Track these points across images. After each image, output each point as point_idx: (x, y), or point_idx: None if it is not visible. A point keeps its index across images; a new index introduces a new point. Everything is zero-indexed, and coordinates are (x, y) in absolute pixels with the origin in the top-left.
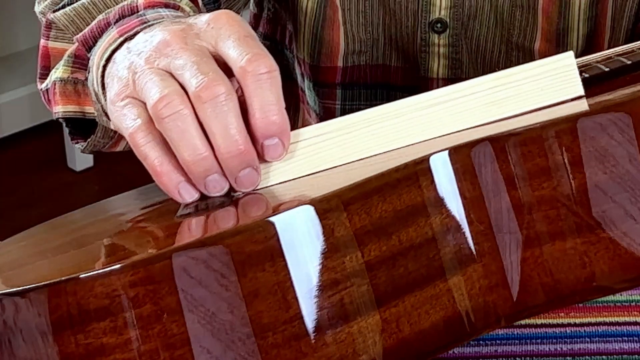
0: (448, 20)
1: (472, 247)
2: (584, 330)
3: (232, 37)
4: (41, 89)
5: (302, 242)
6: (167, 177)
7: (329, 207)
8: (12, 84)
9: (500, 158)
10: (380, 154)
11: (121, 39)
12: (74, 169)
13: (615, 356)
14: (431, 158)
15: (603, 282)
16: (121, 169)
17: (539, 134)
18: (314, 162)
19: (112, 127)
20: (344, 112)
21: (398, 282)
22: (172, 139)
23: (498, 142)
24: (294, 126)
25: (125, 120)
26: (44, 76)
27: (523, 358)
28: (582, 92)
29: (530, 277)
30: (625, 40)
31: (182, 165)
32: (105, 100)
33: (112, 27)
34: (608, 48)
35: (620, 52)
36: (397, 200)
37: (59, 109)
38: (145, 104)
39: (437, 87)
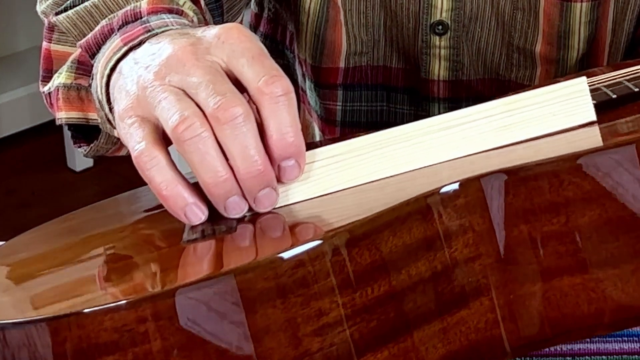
0: (449, 23)
1: (480, 281)
2: None
3: (246, 55)
4: (43, 92)
5: (313, 278)
6: (172, 201)
7: (340, 244)
8: (12, 84)
9: (511, 192)
10: (392, 176)
11: (126, 47)
12: (74, 169)
13: (615, 356)
14: (441, 191)
15: (611, 318)
16: (121, 169)
17: (550, 169)
18: (327, 184)
19: (115, 134)
20: (344, 114)
21: (407, 317)
22: (192, 161)
23: (509, 176)
24: None
25: (131, 140)
26: (46, 79)
27: (523, 358)
28: (594, 117)
29: (538, 311)
30: (627, 44)
31: (202, 186)
32: (111, 110)
33: (115, 34)
34: (609, 51)
35: (628, 76)
36: (408, 235)
37: (62, 115)
38: (153, 121)
39: (438, 89)
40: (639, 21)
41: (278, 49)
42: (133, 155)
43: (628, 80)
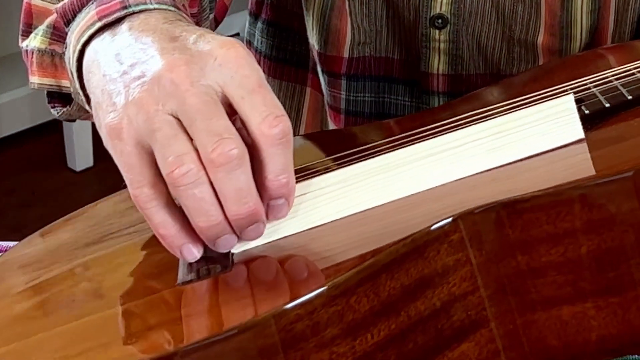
0: (448, 16)
1: (480, 313)
2: None
3: (245, 85)
4: (21, 47)
5: (312, 331)
6: (169, 240)
7: (338, 293)
8: (12, 84)
9: (507, 224)
10: (382, 205)
11: (99, 23)
12: (74, 169)
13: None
14: (437, 227)
15: (612, 345)
16: None
17: (546, 202)
18: (316, 216)
19: (87, 108)
20: (348, 103)
21: (408, 358)
22: (186, 205)
23: (505, 209)
24: (299, 114)
25: (128, 173)
26: (26, 33)
27: None
28: (582, 135)
29: (538, 339)
30: (632, 34)
31: (194, 227)
32: (83, 89)
33: (92, 3)
34: (613, 42)
35: (623, 79)
36: (405, 276)
37: (35, 80)
38: (147, 149)
39: (438, 82)
40: None
41: (282, 35)
42: (130, 190)
43: (623, 86)
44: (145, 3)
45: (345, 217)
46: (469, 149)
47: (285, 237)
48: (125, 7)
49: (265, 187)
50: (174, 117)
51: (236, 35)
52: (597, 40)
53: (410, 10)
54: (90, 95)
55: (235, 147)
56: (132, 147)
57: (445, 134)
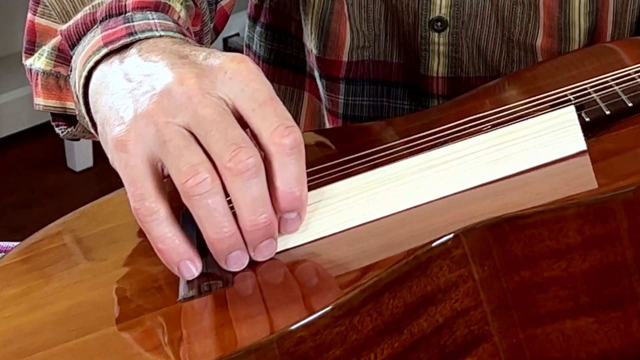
0: (448, 19)
1: (482, 327)
2: None
3: (256, 98)
4: (25, 65)
5: (315, 352)
6: (167, 255)
7: (341, 314)
8: (12, 84)
9: (509, 240)
10: (385, 217)
11: (105, 49)
12: (74, 169)
13: None
14: (439, 243)
15: (614, 359)
16: None
17: (548, 217)
18: (319, 228)
19: (91, 130)
20: (346, 107)
21: None
22: (198, 215)
23: (507, 224)
24: (297, 118)
25: (130, 186)
26: (29, 51)
27: None
28: (584, 147)
29: (541, 353)
30: (630, 35)
31: (206, 239)
32: (89, 114)
33: (97, 27)
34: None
35: (623, 85)
36: (408, 294)
37: (40, 102)
38: (152, 162)
39: (437, 85)
40: None
41: (280, 38)
42: (131, 204)
43: (624, 92)
44: (151, 30)
45: (346, 229)
46: (470, 161)
47: (286, 249)
48: (131, 34)
49: (277, 200)
50: (185, 129)
51: (235, 35)
52: (596, 42)
53: (409, 14)
54: (96, 115)
55: (252, 156)
56: (138, 159)
57: (447, 145)
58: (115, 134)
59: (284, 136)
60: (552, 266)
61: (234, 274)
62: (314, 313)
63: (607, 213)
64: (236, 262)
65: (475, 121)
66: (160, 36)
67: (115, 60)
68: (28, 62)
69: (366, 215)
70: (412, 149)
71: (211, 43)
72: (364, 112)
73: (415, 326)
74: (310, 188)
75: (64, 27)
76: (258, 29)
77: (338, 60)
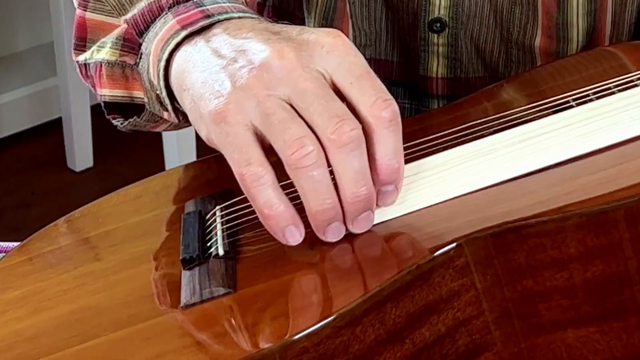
0: (447, 20)
1: (484, 337)
2: None
3: (353, 71)
4: (77, 61)
5: None
6: (274, 221)
7: (343, 324)
8: (12, 84)
9: (512, 249)
10: (478, 190)
11: (185, 32)
12: (74, 169)
13: None
14: (441, 252)
15: None
16: (121, 169)
17: (551, 227)
18: (413, 202)
19: (165, 117)
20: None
21: None
22: (302, 187)
23: (510, 234)
24: None
25: (234, 153)
26: (80, 47)
27: None
28: None
29: None
30: (630, 36)
31: (307, 211)
32: (171, 96)
33: (166, 13)
34: (610, 43)
35: (619, 84)
36: (410, 303)
37: (106, 92)
38: (254, 131)
39: (437, 86)
40: None
41: None
42: (237, 170)
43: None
44: (227, 12)
45: (441, 202)
46: (562, 134)
47: (383, 222)
48: (208, 17)
49: (376, 172)
50: (286, 102)
51: None
52: (595, 42)
53: (408, 14)
54: (185, 94)
55: (355, 128)
56: (239, 127)
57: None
58: (214, 106)
59: (382, 109)
60: (554, 276)
61: (251, 275)
62: (318, 322)
63: (609, 223)
64: (334, 233)
65: (474, 127)
66: (240, 17)
67: (199, 40)
68: (82, 57)
69: (463, 187)
70: (502, 125)
71: None
72: None
73: (418, 335)
74: (407, 162)
75: (129, 15)
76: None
77: None
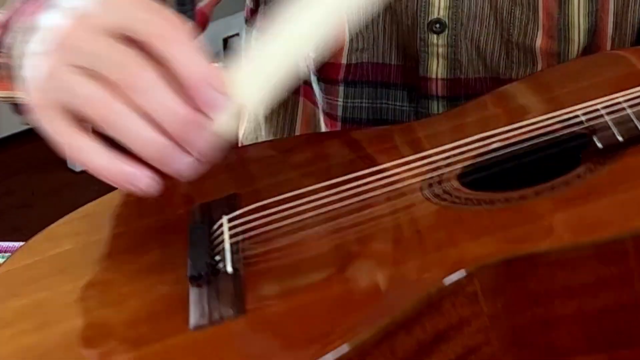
0: (446, 21)
1: None
2: None
3: (131, 12)
4: None
5: None
6: (119, 177)
7: (354, 355)
8: None
9: (523, 277)
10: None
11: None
12: (74, 169)
13: None
14: (451, 279)
15: None
16: None
17: (564, 257)
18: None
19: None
20: (345, 110)
21: None
22: (122, 137)
23: (522, 262)
24: (293, 124)
25: (54, 136)
26: None
27: None
28: None
29: None
30: (633, 37)
31: (143, 158)
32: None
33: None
34: (612, 44)
35: (630, 98)
36: (421, 332)
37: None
38: (65, 108)
39: (436, 87)
40: None
41: None
42: (64, 150)
43: (637, 117)
44: None
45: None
46: None
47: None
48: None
49: (190, 89)
50: (79, 67)
51: (236, 35)
52: (596, 43)
53: (408, 16)
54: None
55: (141, 68)
56: (49, 110)
57: None
58: (30, 96)
59: (157, 26)
60: (565, 303)
61: (260, 294)
62: (329, 352)
63: (620, 254)
64: (180, 163)
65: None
66: None
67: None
68: None
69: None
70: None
71: None
72: (363, 114)
73: None
74: None
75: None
76: (255, 33)
77: (337, 63)
